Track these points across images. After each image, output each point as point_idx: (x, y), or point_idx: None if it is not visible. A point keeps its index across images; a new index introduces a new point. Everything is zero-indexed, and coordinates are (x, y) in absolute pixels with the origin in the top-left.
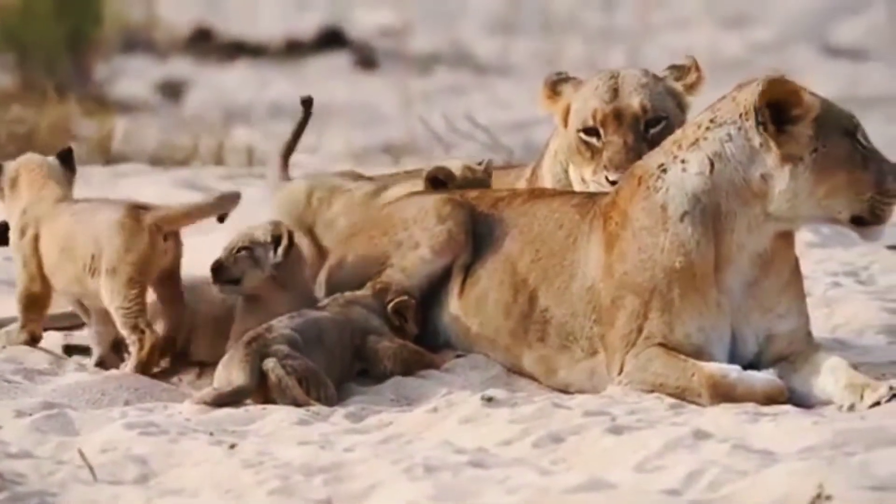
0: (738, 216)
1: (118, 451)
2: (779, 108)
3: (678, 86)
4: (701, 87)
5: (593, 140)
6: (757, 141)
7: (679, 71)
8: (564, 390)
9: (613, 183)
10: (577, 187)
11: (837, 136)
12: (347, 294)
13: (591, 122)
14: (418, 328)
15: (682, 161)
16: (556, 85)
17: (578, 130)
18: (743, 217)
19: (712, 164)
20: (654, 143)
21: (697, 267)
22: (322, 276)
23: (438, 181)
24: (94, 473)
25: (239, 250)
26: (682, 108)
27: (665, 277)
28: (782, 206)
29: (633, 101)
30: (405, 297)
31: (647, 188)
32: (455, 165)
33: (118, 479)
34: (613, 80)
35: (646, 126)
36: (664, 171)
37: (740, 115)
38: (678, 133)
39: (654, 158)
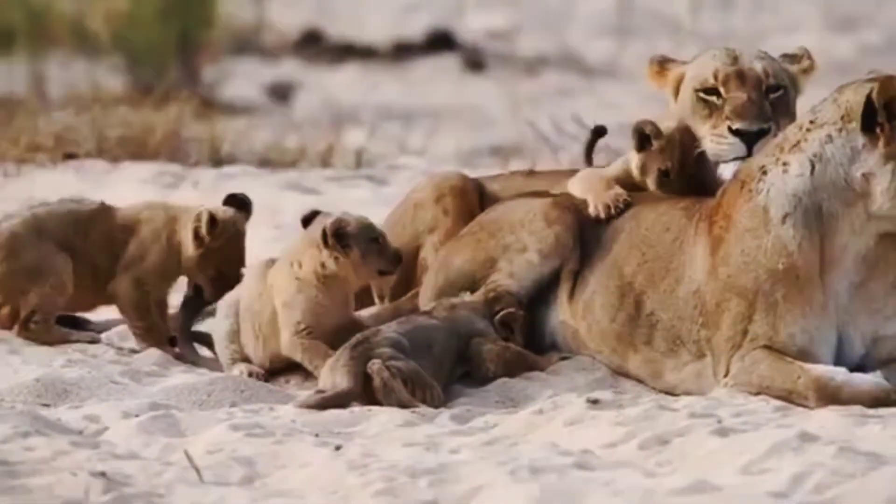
0: (841, 217)
1: (224, 452)
2: (889, 106)
3: (793, 67)
4: (813, 74)
5: (713, 98)
6: (860, 141)
7: (791, 58)
8: (670, 393)
9: (736, 132)
10: None
11: None
12: (454, 299)
13: (711, 82)
14: (524, 336)
15: (784, 163)
16: (664, 62)
17: (696, 90)
18: (846, 218)
19: (813, 166)
20: (774, 107)
21: (800, 269)
22: (429, 278)
23: (645, 136)
24: (200, 475)
25: None
26: (795, 88)
27: (768, 279)
28: (885, 205)
29: (756, 65)
30: (512, 310)
31: (749, 191)
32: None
33: (224, 480)
34: (731, 49)
35: (766, 91)
36: (765, 173)
37: (842, 117)
38: (780, 136)
39: (756, 161)
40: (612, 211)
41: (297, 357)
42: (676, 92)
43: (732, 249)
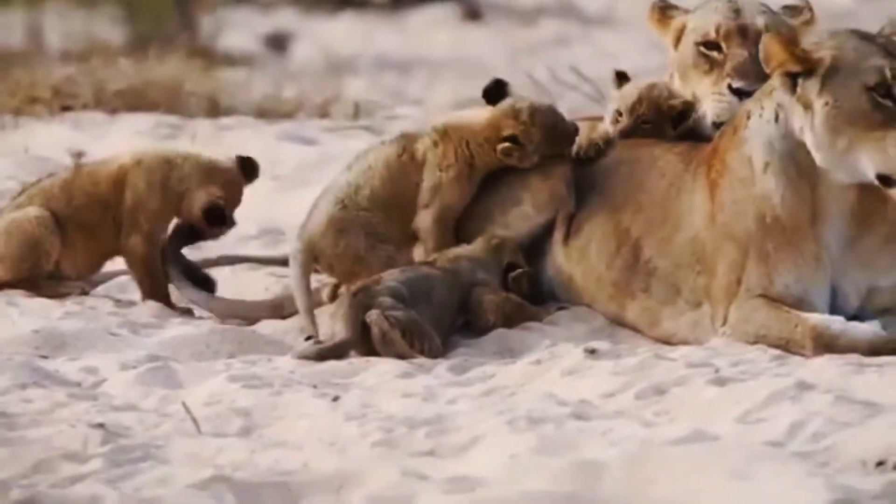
0: (814, 168)
1: (222, 403)
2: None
3: (794, 21)
4: (813, 26)
5: (714, 53)
6: (787, 96)
7: (792, 10)
8: (668, 342)
9: (736, 91)
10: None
11: (853, 91)
12: (456, 248)
13: (713, 36)
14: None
15: (762, 108)
16: (665, 9)
17: (697, 44)
18: (817, 169)
19: (776, 114)
20: None
21: (787, 220)
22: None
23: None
24: (197, 426)
25: None
26: None
27: (758, 230)
28: (817, 159)
29: (758, 20)
30: (524, 270)
31: (738, 137)
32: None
33: (222, 431)
34: (734, 2)
35: None
36: (748, 118)
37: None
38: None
39: (746, 105)
40: (582, 152)
41: (429, 243)
42: (677, 41)
43: (727, 196)
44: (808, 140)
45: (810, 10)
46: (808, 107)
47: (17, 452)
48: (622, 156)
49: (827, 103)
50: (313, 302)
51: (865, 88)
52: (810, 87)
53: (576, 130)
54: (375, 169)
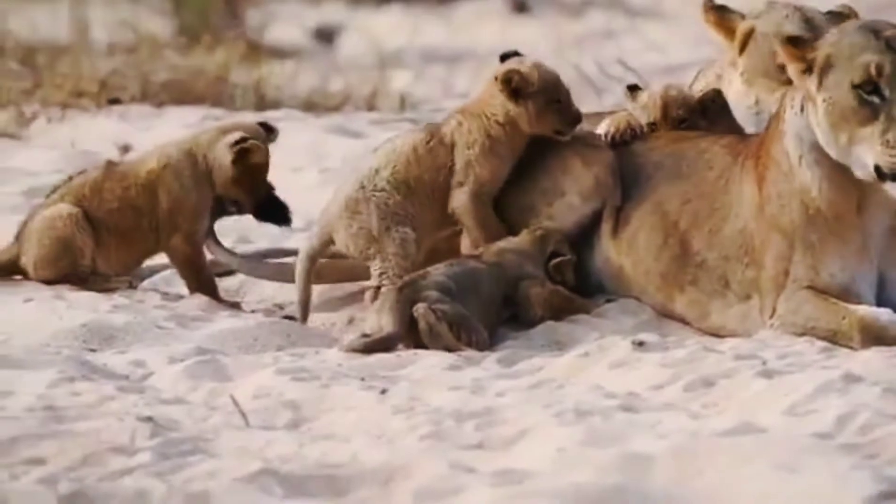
0: None
1: (270, 396)
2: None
3: None
4: None
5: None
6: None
7: (839, 17)
8: (716, 334)
9: None
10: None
11: (843, 88)
12: (501, 242)
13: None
14: (574, 280)
15: (793, 100)
16: (722, 10)
17: (855, 86)
18: None
19: (802, 105)
20: None
21: (828, 210)
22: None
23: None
24: (246, 419)
25: None
26: None
27: (802, 222)
28: (828, 153)
29: None
30: (568, 257)
31: (779, 130)
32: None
33: (270, 424)
34: (801, 11)
35: None
36: (784, 109)
37: None
38: None
39: (785, 97)
40: (619, 135)
41: (468, 221)
42: (743, 45)
43: (772, 189)
44: (818, 136)
45: (856, 15)
46: (813, 103)
47: (66, 446)
48: (667, 149)
49: (824, 100)
50: (311, 289)
51: (852, 85)
52: (811, 84)
53: (579, 114)
54: (400, 152)
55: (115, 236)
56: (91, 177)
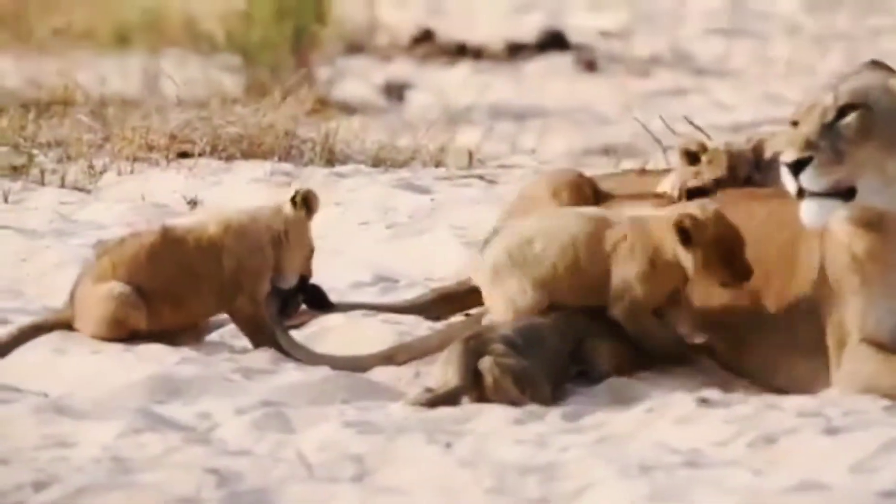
0: None
1: (335, 449)
2: None
3: None
4: None
5: None
6: None
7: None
8: (784, 391)
9: None
10: None
11: None
12: None
13: None
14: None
15: None
16: None
17: None
18: None
19: None
20: None
21: (861, 255)
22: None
23: (692, 153)
24: (311, 471)
25: None
26: None
27: (846, 273)
28: None
29: None
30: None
31: None
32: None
33: (335, 477)
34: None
35: None
36: None
37: None
38: None
39: None
40: (679, 189)
41: (631, 331)
42: None
43: (827, 247)
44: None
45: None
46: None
47: (132, 497)
48: (737, 207)
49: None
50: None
51: None
52: None
53: (751, 270)
54: (559, 237)
55: (170, 304)
56: (147, 242)
